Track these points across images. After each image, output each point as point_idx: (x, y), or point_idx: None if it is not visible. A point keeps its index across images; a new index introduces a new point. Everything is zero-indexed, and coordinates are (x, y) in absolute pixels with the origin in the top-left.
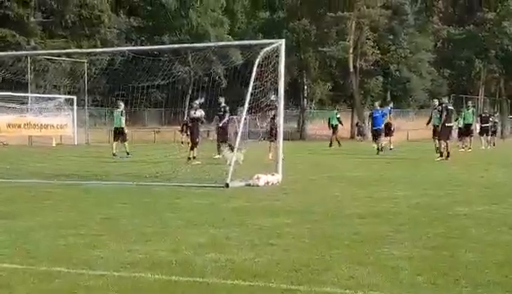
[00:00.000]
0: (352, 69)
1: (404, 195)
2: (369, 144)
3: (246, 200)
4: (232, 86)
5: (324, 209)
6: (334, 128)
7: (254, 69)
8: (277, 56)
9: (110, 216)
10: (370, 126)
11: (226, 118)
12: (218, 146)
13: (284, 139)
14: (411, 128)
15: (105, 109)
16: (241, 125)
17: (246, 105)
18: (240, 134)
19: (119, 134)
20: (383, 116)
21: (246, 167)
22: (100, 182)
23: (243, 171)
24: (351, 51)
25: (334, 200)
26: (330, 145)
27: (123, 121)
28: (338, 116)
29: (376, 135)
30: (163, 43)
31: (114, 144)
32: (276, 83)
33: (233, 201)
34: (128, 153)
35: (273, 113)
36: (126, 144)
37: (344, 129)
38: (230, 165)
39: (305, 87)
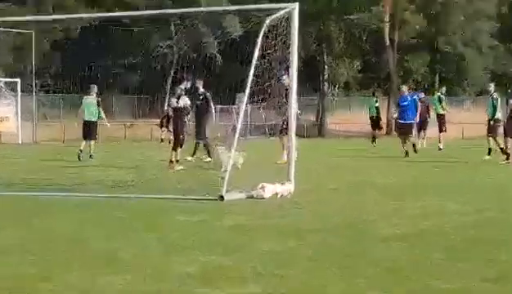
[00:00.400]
0: (388, 43)
1: (457, 209)
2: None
3: (247, 217)
4: (229, 65)
5: (349, 228)
6: (374, 121)
7: (258, 42)
8: (289, 26)
9: (70, 238)
10: (395, 119)
11: (212, 109)
12: (206, 147)
13: (297, 135)
14: (467, 121)
15: (59, 97)
16: (240, 116)
17: (247, 91)
18: (238, 129)
19: (91, 130)
20: (415, 105)
21: (247, 173)
22: (57, 193)
23: (243, 179)
24: (387, 18)
25: (363, 216)
26: (373, 141)
27: (98, 112)
28: (377, 105)
29: (403, 133)
30: (137, 9)
31: (83, 143)
32: (288, 62)
33: (230, 218)
34: (91, 156)
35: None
36: (93, 143)
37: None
38: (225, 171)
39: (326, 67)
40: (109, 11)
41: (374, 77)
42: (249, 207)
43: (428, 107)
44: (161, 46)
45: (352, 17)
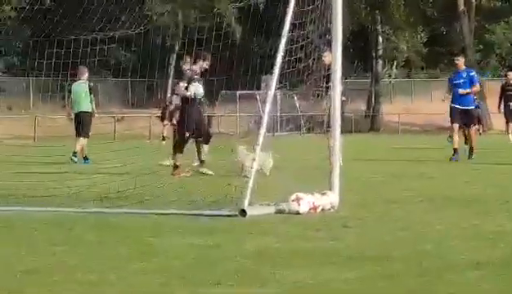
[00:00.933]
0: (462, 7)
1: None
2: (495, 137)
3: (276, 239)
4: (250, 38)
5: (414, 255)
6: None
7: (290, 8)
8: None
9: (34, 268)
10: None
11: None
12: (198, 147)
13: (343, 130)
14: None
15: (28, 81)
16: (268, 106)
17: (276, 72)
18: (264, 122)
19: (83, 124)
20: (471, 84)
21: (277, 180)
22: (22, 208)
23: (271, 188)
24: None
25: (432, 237)
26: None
27: (92, 101)
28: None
29: (461, 121)
30: None
31: (79, 141)
32: (330, 34)
33: (254, 241)
34: (74, 155)
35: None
36: (85, 142)
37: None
38: (247, 177)
39: (380, 40)
40: None
41: (443, 53)
42: (280, 226)
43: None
44: (161, 13)
45: None
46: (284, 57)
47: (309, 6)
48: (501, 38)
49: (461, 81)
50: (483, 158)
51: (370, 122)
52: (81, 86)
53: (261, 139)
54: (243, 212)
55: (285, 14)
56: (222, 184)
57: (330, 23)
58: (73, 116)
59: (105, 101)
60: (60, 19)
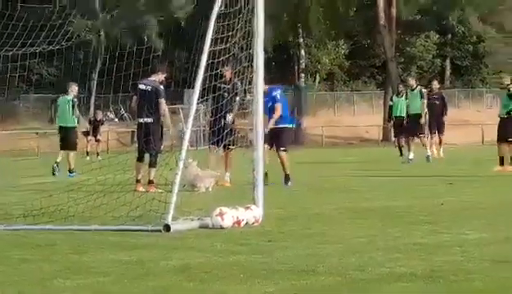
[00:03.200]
0: (383, 21)
1: (478, 239)
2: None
3: (201, 253)
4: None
5: (337, 268)
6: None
7: (211, 22)
8: (251, 0)
9: None
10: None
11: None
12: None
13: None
14: (488, 122)
15: None
16: (190, 120)
17: (198, 86)
18: (187, 136)
19: (68, 138)
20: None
21: (200, 194)
22: None
23: (195, 203)
24: None
25: (355, 250)
26: (401, 153)
27: (76, 116)
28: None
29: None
30: None
31: (61, 153)
32: (251, 48)
33: (178, 255)
34: (71, 172)
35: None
36: (72, 155)
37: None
38: (172, 191)
39: (302, 53)
40: None
41: (366, 66)
42: (204, 240)
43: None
44: (85, 29)
45: None
46: (206, 71)
47: (231, 20)
48: (421, 50)
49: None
50: (406, 171)
51: (294, 136)
52: (66, 101)
53: (184, 153)
54: (167, 227)
55: (206, 30)
56: (147, 199)
57: (252, 36)
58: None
59: (27, 117)
60: None
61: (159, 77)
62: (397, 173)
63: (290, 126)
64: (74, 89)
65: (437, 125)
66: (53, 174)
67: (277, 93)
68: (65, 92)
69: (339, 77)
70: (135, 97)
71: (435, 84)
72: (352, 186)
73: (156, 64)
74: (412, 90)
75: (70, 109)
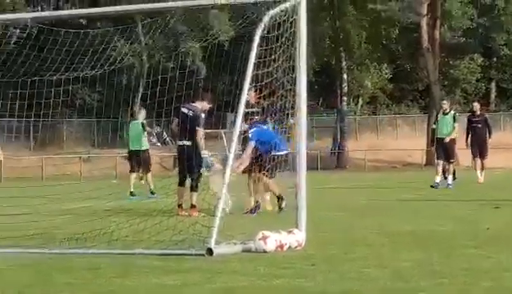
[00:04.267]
0: (426, 44)
1: None
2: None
3: (245, 277)
4: (216, 77)
5: (383, 292)
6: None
7: (254, 46)
8: (294, 24)
9: None
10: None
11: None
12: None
13: (308, 168)
14: None
15: None
16: (234, 144)
17: (241, 110)
18: (230, 160)
19: (139, 161)
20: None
21: (243, 218)
22: None
23: (238, 227)
24: (424, 10)
25: (399, 274)
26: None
27: (146, 139)
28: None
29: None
30: (94, 5)
31: (133, 176)
32: (293, 71)
33: (222, 279)
34: (152, 193)
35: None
36: (149, 176)
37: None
38: (216, 215)
39: (344, 77)
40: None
41: (408, 90)
42: (247, 265)
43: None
44: (127, 53)
45: (378, 7)
46: (248, 95)
47: (273, 44)
48: (465, 72)
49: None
50: (450, 195)
51: (336, 160)
52: (136, 125)
53: (227, 178)
54: (210, 251)
55: (248, 53)
56: (190, 223)
57: (295, 60)
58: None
59: (71, 141)
60: (23, 60)
61: (204, 105)
62: (441, 197)
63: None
64: (142, 113)
65: (479, 149)
66: (132, 195)
67: (252, 131)
68: (132, 116)
69: (382, 101)
70: (176, 120)
71: (476, 106)
72: (395, 210)
73: (202, 91)
74: (445, 114)
75: (142, 132)
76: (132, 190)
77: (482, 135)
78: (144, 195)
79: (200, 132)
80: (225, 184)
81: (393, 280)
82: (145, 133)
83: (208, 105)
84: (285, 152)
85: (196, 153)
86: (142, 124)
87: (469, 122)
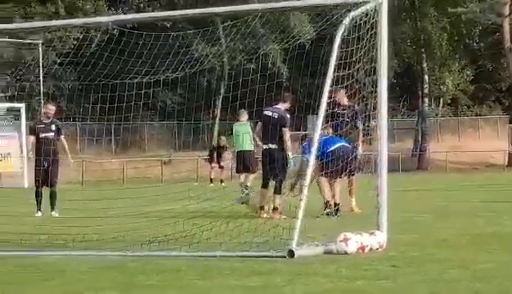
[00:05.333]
0: (508, 45)
1: None
2: None
3: (326, 279)
4: (297, 78)
5: None
6: None
7: (335, 48)
8: (375, 26)
9: None
10: None
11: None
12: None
13: (389, 169)
14: None
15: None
16: (315, 146)
17: (322, 112)
18: (312, 161)
19: (248, 161)
20: None
21: (324, 220)
22: (69, 253)
23: (318, 228)
24: (506, 11)
25: (481, 276)
26: None
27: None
28: None
29: None
30: (174, 8)
31: (242, 177)
32: (374, 73)
33: (303, 281)
34: (246, 188)
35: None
36: (252, 177)
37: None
38: (298, 217)
39: (426, 78)
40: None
41: (490, 90)
42: (328, 266)
43: None
44: (207, 55)
45: (459, 10)
46: (330, 97)
47: (354, 46)
48: None
49: None
50: None
51: (418, 161)
52: (242, 127)
53: (308, 179)
54: (291, 253)
55: (329, 55)
56: (271, 225)
57: (376, 62)
58: (234, 154)
59: (152, 144)
60: (104, 63)
61: (286, 106)
62: None
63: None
64: (245, 115)
65: None
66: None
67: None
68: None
69: (463, 102)
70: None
71: None
72: (477, 212)
73: (283, 92)
74: None
75: (248, 133)
76: (247, 184)
77: None
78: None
79: (287, 133)
80: (306, 186)
81: (475, 282)
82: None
83: (289, 105)
84: (336, 146)
85: (281, 155)
86: (249, 126)
87: None
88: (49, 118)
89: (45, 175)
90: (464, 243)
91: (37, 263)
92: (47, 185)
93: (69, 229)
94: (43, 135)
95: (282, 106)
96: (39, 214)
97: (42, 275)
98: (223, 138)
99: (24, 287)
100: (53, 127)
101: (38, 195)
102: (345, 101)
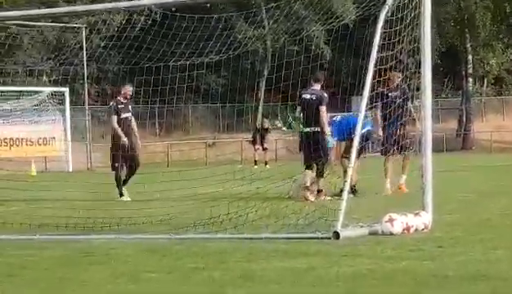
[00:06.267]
0: None
1: None
2: None
3: (371, 260)
4: (341, 59)
5: (508, 273)
6: None
7: (378, 29)
8: (418, 6)
9: None
10: None
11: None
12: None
13: (434, 150)
14: None
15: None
16: (359, 127)
17: (366, 94)
18: (356, 142)
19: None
20: None
21: (368, 200)
22: (117, 236)
23: (364, 209)
24: None
25: None
26: None
27: None
28: None
29: None
30: None
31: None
32: (418, 53)
33: (349, 262)
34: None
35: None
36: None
37: None
38: (342, 199)
39: (469, 58)
40: None
41: None
42: (374, 247)
43: None
44: (251, 38)
45: None
46: (373, 78)
47: (397, 26)
48: None
49: None
50: None
51: (462, 141)
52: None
53: (353, 160)
54: (337, 234)
55: (373, 36)
56: (316, 206)
57: (419, 42)
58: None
59: (196, 127)
60: (148, 46)
61: (320, 84)
62: None
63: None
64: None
65: None
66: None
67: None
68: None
69: (508, 81)
70: (299, 107)
71: None
72: None
73: (315, 72)
74: None
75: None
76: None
77: None
78: None
79: (323, 111)
80: (351, 167)
81: None
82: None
83: (322, 82)
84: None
85: (322, 138)
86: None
87: None
88: (127, 98)
89: (125, 157)
90: (509, 223)
91: (84, 247)
92: (131, 166)
93: (117, 212)
94: (124, 115)
95: (317, 86)
96: (126, 198)
97: (90, 259)
98: (266, 120)
99: (72, 270)
100: (130, 108)
101: (119, 179)
102: (395, 83)
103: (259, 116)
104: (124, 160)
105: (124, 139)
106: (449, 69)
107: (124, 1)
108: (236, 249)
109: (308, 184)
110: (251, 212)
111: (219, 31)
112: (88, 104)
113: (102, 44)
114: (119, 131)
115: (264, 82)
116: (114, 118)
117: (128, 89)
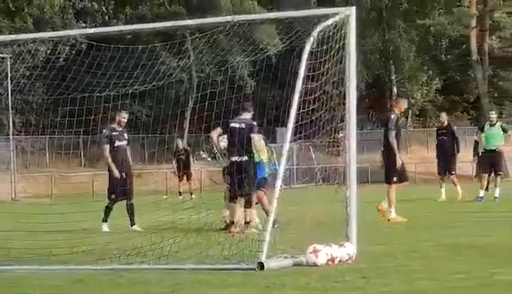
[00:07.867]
0: (475, 56)
1: None
2: None
3: (297, 291)
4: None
5: None
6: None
7: (303, 60)
8: (344, 37)
9: None
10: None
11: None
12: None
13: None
14: None
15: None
16: (284, 159)
17: (291, 124)
18: (281, 174)
19: None
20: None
21: (293, 231)
22: (38, 267)
23: (287, 241)
24: (473, 23)
25: (452, 286)
26: (487, 189)
27: None
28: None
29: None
30: (141, 20)
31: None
32: (342, 85)
33: (274, 293)
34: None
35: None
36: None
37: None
38: (263, 229)
39: (394, 90)
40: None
41: (457, 101)
42: (299, 278)
43: None
44: (175, 68)
45: (426, 22)
46: (298, 109)
47: (322, 58)
48: None
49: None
50: (503, 205)
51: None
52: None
53: (277, 192)
54: (261, 265)
55: (297, 67)
56: (240, 238)
57: (344, 73)
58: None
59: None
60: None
61: (250, 114)
62: (495, 209)
63: None
64: None
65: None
66: None
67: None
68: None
69: (432, 114)
70: (225, 136)
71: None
72: (448, 222)
73: (243, 102)
74: (492, 125)
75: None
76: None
77: None
78: None
79: (255, 138)
80: (275, 199)
81: (445, 293)
82: None
83: (252, 113)
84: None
85: (250, 168)
86: None
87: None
88: (122, 126)
89: (123, 187)
90: (436, 254)
91: (11, 277)
92: (125, 198)
93: (40, 243)
94: (119, 143)
95: (246, 115)
96: (107, 228)
97: (15, 290)
98: (180, 140)
99: None
100: (126, 136)
101: (110, 209)
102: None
103: (180, 143)
104: (121, 189)
105: (117, 173)
106: (374, 101)
107: (49, 31)
108: (162, 280)
109: (234, 219)
110: (175, 243)
111: (144, 61)
112: (12, 135)
113: (27, 74)
114: (111, 163)
115: (189, 112)
116: (107, 147)
117: (123, 115)
